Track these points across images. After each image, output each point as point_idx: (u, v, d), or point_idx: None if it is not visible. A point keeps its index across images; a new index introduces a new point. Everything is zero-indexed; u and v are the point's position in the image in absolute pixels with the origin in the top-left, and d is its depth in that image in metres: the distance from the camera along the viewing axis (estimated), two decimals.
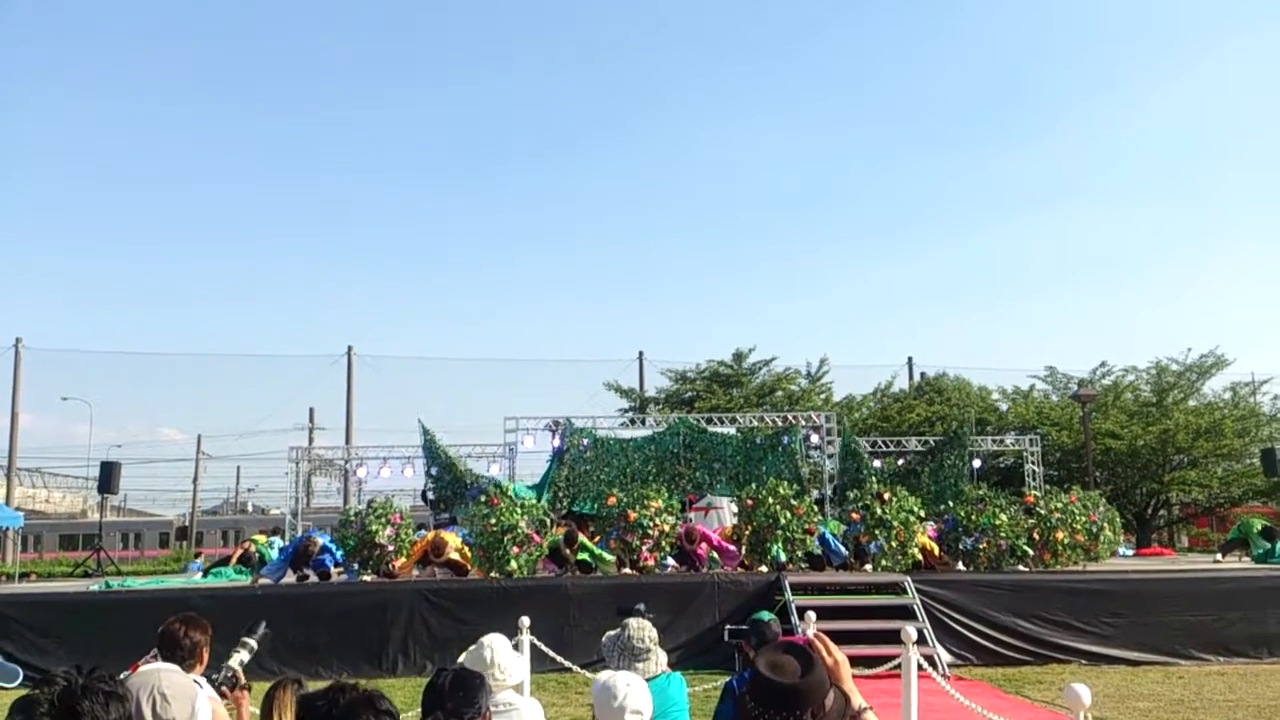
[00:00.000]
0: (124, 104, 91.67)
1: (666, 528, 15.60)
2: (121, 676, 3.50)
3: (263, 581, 16.28)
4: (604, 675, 3.93)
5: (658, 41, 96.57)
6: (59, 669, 2.65)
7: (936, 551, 16.50)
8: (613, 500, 16.38)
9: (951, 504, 16.97)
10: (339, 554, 16.24)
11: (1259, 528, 19.43)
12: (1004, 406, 37.14)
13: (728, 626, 13.71)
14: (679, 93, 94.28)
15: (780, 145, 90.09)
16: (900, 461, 26.97)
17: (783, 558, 15.33)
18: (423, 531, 17.53)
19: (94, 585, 17.15)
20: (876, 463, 26.00)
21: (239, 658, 4.65)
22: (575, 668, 11.84)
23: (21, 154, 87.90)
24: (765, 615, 6.41)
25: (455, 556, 16.01)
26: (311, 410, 54.01)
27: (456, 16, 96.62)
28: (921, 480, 23.81)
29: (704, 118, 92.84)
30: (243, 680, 4.53)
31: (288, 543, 18.83)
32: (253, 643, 4.78)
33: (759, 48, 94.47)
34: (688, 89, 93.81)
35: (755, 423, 24.51)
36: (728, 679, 5.73)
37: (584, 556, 16.09)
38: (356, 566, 15.87)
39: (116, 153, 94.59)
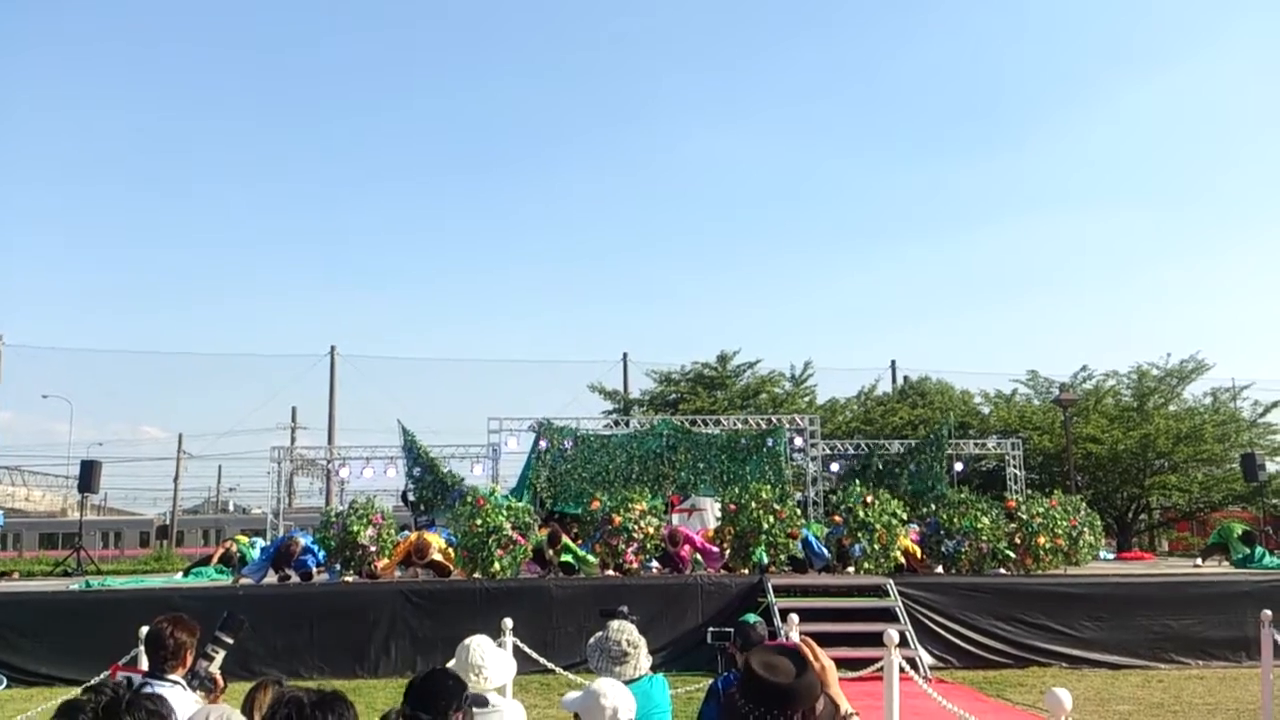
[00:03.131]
0: (110, 105, 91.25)
1: (651, 530, 15.61)
2: (101, 677, 3.48)
3: (244, 581, 16.22)
4: (575, 696, 3.97)
5: (640, 47, 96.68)
6: (108, 680, 2.68)
7: (919, 554, 16.56)
8: (596, 505, 16.38)
9: (934, 507, 17.03)
10: (321, 555, 16.19)
11: (1239, 532, 19.56)
12: (986, 410, 37.23)
13: (710, 629, 13.68)
14: (663, 97, 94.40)
15: (763, 149, 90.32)
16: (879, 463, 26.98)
17: (765, 561, 15.35)
18: (405, 532, 17.49)
19: (74, 584, 17.06)
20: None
21: (217, 660, 4.60)
22: (558, 669, 11.83)
23: (6, 153, 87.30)
24: (751, 618, 6.42)
25: (438, 558, 15.99)
26: (294, 410, 53.85)
27: (441, 24, 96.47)
28: (900, 481, 23.87)
29: (688, 122, 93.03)
30: (221, 685, 4.50)
31: (269, 543, 18.77)
32: (228, 639, 4.73)
33: (740, 53, 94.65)
34: (671, 93, 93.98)
35: (739, 425, 24.55)
36: (711, 680, 5.74)
37: (567, 558, 16.09)
38: (339, 567, 15.82)
39: (100, 152, 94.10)
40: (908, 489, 23.22)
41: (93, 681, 2.78)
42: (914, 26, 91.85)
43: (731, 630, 6.07)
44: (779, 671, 2.67)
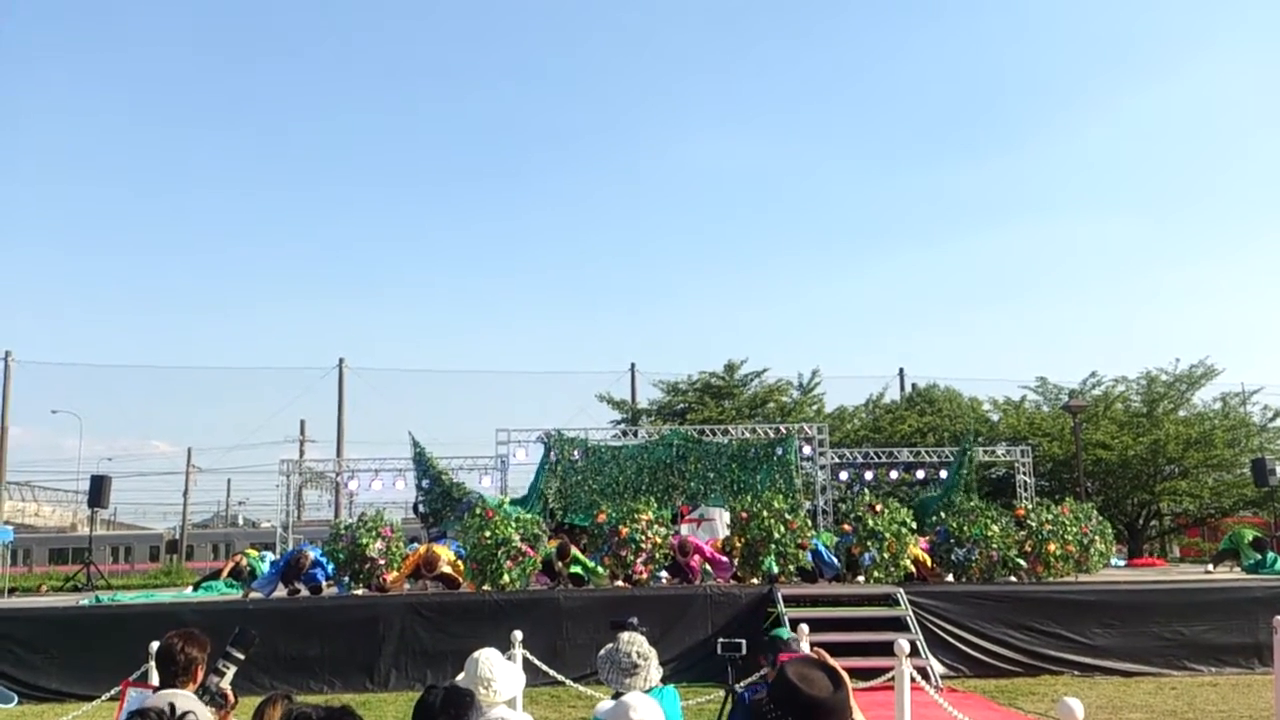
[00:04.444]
0: (115, 113, 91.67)
1: (659, 539, 15.60)
2: (113, 692, 3.48)
3: (254, 595, 16.23)
4: (608, 706, 4.00)
5: (648, 50, 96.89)
6: (152, 705, 2.73)
7: (929, 563, 16.52)
8: (602, 517, 16.41)
9: (943, 515, 17.01)
10: (330, 568, 16.20)
11: (1250, 538, 19.50)
12: (995, 417, 37.20)
13: (720, 639, 13.67)
14: (670, 102, 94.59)
15: (769, 155, 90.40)
16: (893, 475, 26.94)
17: (775, 571, 15.32)
18: (414, 545, 17.49)
19: (84, 600, 17.09)
20: (869, 475, 26.00)
21: (228, 675, 4.59)
22: (568, 681, 11.82)
23: (13, 165, 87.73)
24: (785, 633, 6.39)
25: (448, 570, 15.97)
26: (302, 422, 53.87)
27: (451, 26, 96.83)
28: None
29: (696, 127, 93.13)
30: (232, 700, 4.49)
31: (279, 556, 18.77)
32: (240, 655, 4.71)
33: (746, 54, 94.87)
34: (678, 97, 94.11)
35: (748, 434, 24.54)
36: (739, 691, 5.76)
37: (577, 570, 16.08)
38: (348, 580, 15.82)
39: (107, 163, 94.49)
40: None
41: (139, 707, 2.83)
42: (916, 30, 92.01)
43: (742, 641, 6.04)
44: (815, 685, 2.67)
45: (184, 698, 4.15)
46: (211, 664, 4.56)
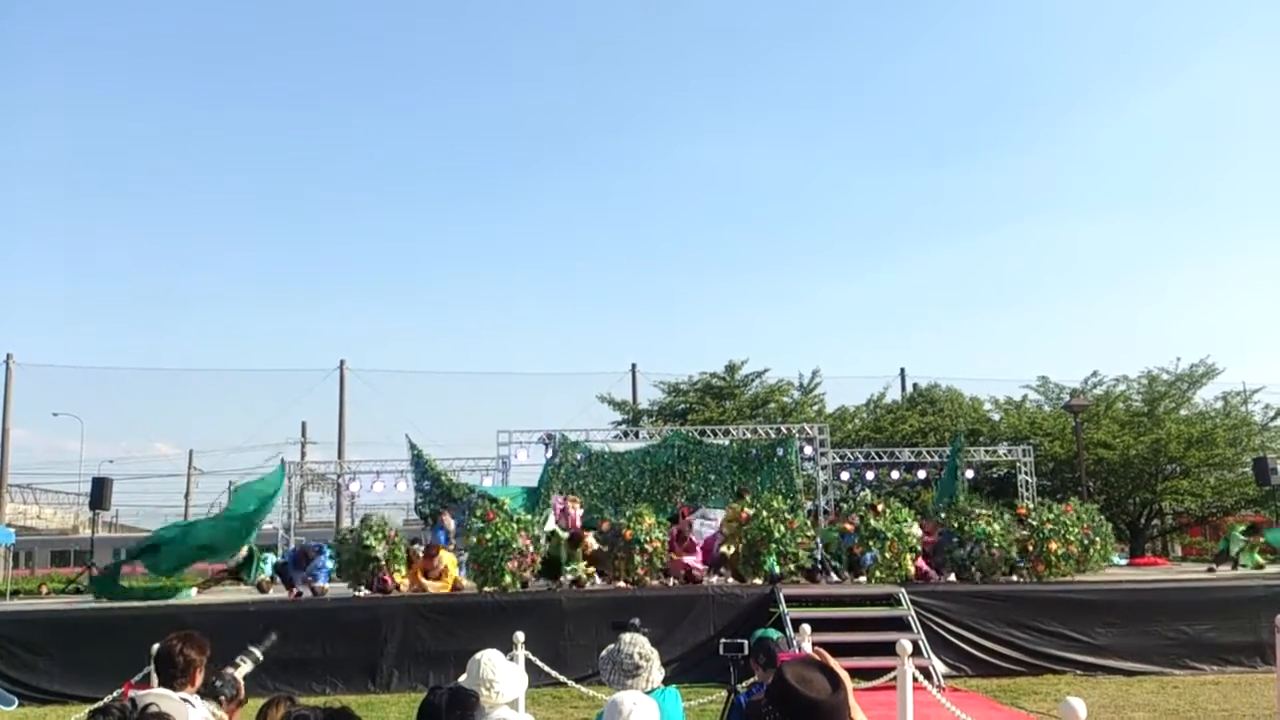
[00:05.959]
0: (114, 117, 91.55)
1: (659, 544, 15.62)
2: (114, 695, 3.48)
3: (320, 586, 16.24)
4: (613, 697, 4.03)
5: (648, 49, 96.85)
6: (114, 701, 2.74)
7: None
8: (606, 525, 16.48)
9: (945, 515, 16.96)
10: (332, 567, 16.27)
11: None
12: (996, 417, 37.20)
13: (722, 639, 13.66)
14: (671, 102, 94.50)
15: (773, 156, 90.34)
16: (894, 475, 26.98)
17: (777, 570, 15.31)
18: (416, 546, 17.49)
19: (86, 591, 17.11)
20: (870, 475, 26.00)
21: (244, 668, 4.62)
22: (570, 682, 11.83)
23: (14, 169, 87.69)
24: (772, 634, 6.41)
25: (438, 585, 15.85)
26: (304, 424, 53.82)
27: (452, 26, 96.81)
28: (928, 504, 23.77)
29: (700, 129, 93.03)
30: (242, 694, 4.50)
31: (280, 556, 18.87)
32: (258, 653, 4.77)
33: (750, 56, 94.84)
34: (681, 97, 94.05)
35: (749, 435, 24.55)
36: (735, 696, 5.76)
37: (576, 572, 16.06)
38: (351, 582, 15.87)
39: (107, 167, 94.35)
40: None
41: (100, 703, 2.83)
42: (917, 32, 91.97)
43: (744, 642, 6.04)
44: (813, 686, 2.66)
45: (158, 695, 4.15)
46: (211, 667, 4.57)
